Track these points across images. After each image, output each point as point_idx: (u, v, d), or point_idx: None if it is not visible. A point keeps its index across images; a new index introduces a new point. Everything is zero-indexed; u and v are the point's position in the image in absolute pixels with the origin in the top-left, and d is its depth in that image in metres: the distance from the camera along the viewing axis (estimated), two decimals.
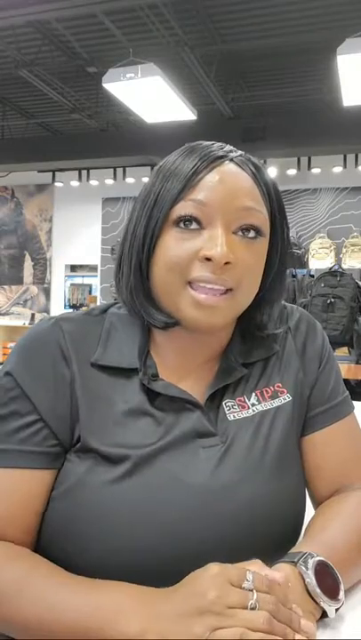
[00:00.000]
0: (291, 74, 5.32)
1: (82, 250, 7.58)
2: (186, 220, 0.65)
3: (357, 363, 4.17)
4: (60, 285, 7.76)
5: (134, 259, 0.69)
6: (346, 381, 3.82)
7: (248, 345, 0.75)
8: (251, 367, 0.75)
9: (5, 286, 7.97)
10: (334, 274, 4.32)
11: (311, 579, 0.57)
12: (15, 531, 0.64)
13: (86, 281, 7.59)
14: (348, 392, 0.80)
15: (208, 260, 0.64)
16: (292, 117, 5.77)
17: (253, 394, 0.73)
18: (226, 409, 0.71)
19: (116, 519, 0.62)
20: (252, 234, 0.67)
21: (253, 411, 0.72)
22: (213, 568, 0.53)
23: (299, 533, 0.72)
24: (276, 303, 0.76)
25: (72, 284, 7.61)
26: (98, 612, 0.54)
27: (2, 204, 8.01)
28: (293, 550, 0.63)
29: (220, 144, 0.70)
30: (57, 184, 7.36)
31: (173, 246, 0.65)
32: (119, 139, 6.34)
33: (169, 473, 0.65)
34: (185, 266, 0.64)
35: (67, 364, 0.68)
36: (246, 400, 0.73)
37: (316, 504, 0.77)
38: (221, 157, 0.67)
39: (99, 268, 7.47)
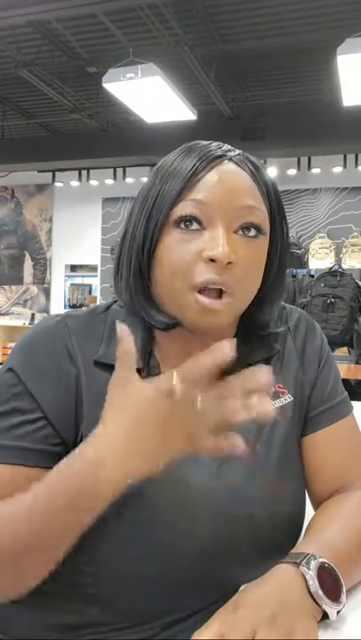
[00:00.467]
0: (291, 74, 5.32)
1: (82, 250, 7.58)
2: (186, 221, 0.65)
3: (357, 363, 4.17)
4: (60, 285, 7.76)
5: (134, 260, 0.68)
6: (346, 381, 3.82)
7: (250, 345, 0.75)
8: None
9: (5, 286, 7.97)
10: (334, 274, 4.32)
11: (314, 581, 0.57)
12: None
13: (86, 281, 7.59)
14: (346, 393, 0.80)
15: (211, 260, 0.63)
16: (292, 117, 5.76)
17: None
18: None
19: (117, 519, 0.62)
20: (252, 232, 0.66)
21: None
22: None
23: (299, 533, 0.72)
24: (277, 302, 0.76)
25: (72, 284, 7.61)
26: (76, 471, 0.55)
27: (2, 203, 8.01)
28: (295, 551, 0.63)
29: (218, 143, 0.70)
30: (57, 184, 7.36)
31: (175, 248, 0.65)
32: (119, 139, 6.34)
33: (171, 474, 0.65)
34: (189, 268, 0.64)
35: (72, 361, 0.67)
36: None
37: (316, 504, 0.76)
38: (220, 157, 0.67)
39: (99, 268, 7.47)
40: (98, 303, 5.31)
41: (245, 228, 0.66)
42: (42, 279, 7.82)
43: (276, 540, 0.68)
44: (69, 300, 7.52)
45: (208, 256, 0.63)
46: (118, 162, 6.75)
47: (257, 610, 0.54)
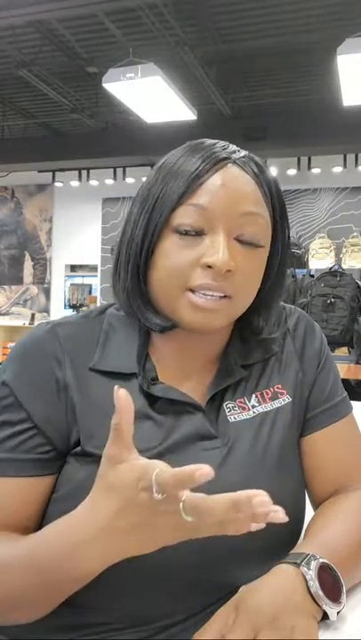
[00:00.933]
0: (291, 74, 5.32)
1: (82, 250, 7.58)
2: (186, 227, 0.64)
3: (357, 363, 4.16)
4: (60, 285, 7.76)
5: (132, 262, 0.68)
6: (346, 381, 3.82)
7: (247, 346, 0.75)
8: (250, 368, 0.74)
9: (5, 286, 7.97)
10: (334, 274, 4.31)
11: (314, 581, 0.57)
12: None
13: (86, 281, 7.59)
14: (346, 393, 0.80)
15: (209, 267, 0.63)
16: (293, 117, 5.76)
17: (253, 395, 0.73)
18: (226, 411, 0.71)
19: None
20: (253, 245, 0.66)
21: (254, 412, 0.72)
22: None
23: (299, 534, 0.72)
24: (274, 307, 0.75)
25: (72, 284, 7.61)
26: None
27: (2, 203, 8.01)
28: (295, 551, 0.63)
29: (223, 143, 0.69)
30: (57, 184, 7.36)
31: (173, 253, 0.65)
32: (119, 139, 6.34)
33: None
34: (185, 273, 0.64)
35: (60, 369, 0.68)
36: (246, 402, 0.72)
37: (316, 504, 0.76)
38: (225, 159, 0.66)
39: (99, 268, 7.47)
40: (98, 303, 5.31)
41: (247, 243, 0.66)
42: (42, 279, 7.82)
43: (276, 540, 0.68)
44: (69, 300, 7.52)
45: (206, 263, 0.63)
46: (118, 162, 6.75)
47: (257, 610, 0.54)
